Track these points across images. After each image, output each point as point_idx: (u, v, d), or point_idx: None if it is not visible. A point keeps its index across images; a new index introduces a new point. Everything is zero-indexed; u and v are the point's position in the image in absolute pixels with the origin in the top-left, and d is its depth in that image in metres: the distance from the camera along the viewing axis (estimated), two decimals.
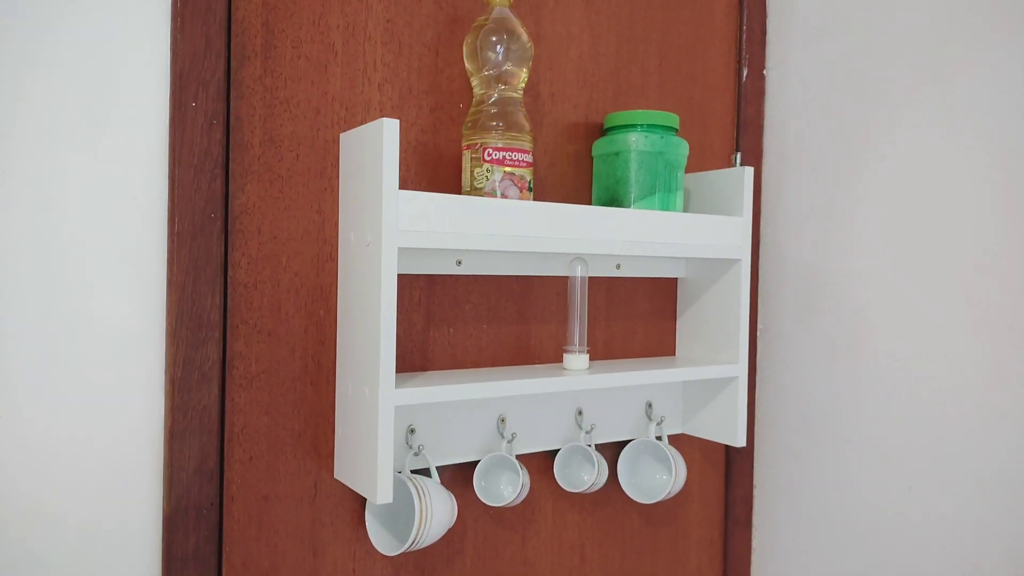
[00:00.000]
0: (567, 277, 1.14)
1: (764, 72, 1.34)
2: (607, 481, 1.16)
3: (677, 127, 1.11)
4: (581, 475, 1.13)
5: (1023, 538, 1.03)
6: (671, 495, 1.15)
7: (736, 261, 1.16)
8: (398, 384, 0.90)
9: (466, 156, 0.99)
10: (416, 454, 1.00)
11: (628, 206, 1.08)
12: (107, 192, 0.84)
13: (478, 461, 1.06)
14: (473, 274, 1.06)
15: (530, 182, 1.00)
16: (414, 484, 0.94)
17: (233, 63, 0.91)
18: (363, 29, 0.98)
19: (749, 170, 1.15)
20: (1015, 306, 1.03)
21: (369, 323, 0.88)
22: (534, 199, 1.11)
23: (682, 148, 1.11)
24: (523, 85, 1.01)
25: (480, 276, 1.08)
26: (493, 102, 0.99)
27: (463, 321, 1.06)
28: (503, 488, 1.07)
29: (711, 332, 1.21)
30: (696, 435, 1.23)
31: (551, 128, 1.13)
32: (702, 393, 1.22)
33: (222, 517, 0.91)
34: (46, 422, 0.82)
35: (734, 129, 1.33)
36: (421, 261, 1.01)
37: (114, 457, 0.85)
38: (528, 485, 1.05)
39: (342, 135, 0.96)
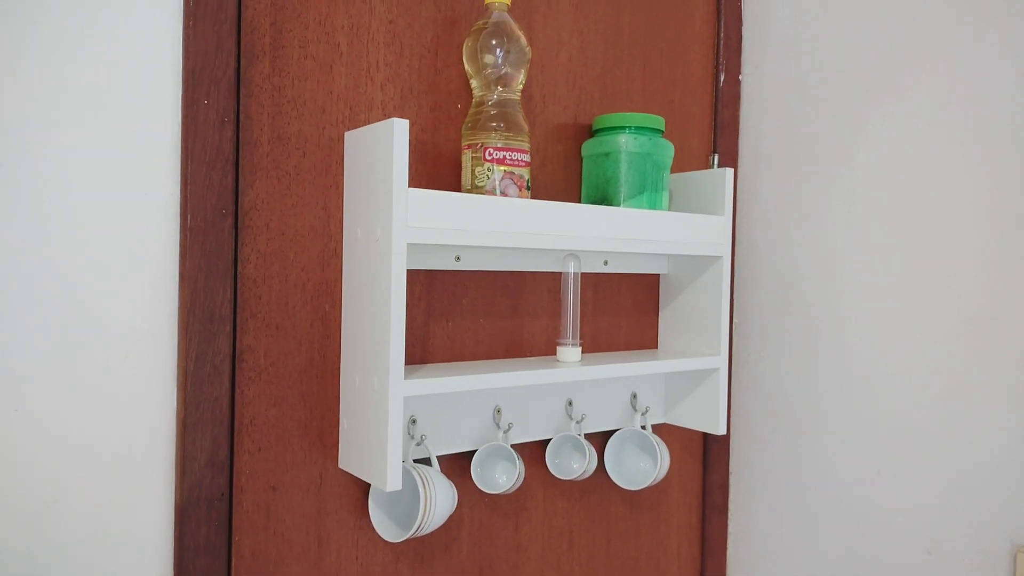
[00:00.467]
0: (558, 273, 1.18)
1: (740, 77, 1.40)
2: (595, 469, 1.21)
3: (664, 129, 1.16)
4: (571, 463, 1.17)
5: (981, 517, 1.11)
6: (655, 482, 1.20)
7: (717, 258, 1.21)
8: (404, 376, 0.93)
9: (466, 155, 1.03)
10: (418, 444, 1.03)
11: (618, 205, 1.13)
12: (121, 188, 0.86)
13: (475, 450, 1.09)
14: (471, 269, 1.10)
15: (528, 181, 1.04)
16: (418, 473, 0.97)
17: (243, 62, 0.92)
18: (367, 30, 1.01)
19: (729, 171, 1.21)
20: (977, 297, 1.11)
21: (378, 317, 0.91)
22: (530, 197, 1.14)
23: (668, 149, 1.16)
24: (521, 87, 1.04)
25: (477, 272, 1.11)
26: (493, 103, 1.02)
27: (461, 315, 1.10)
28: (498, 476, 1.11)
29: (692, 326, 1.26)
30: (678, 424, 1.29)
31: (542, 128, 1.17)
32: (684, 384, 1.27)
33: (232, 507, 0.93)
34: (61, 415, 0.83)
35: (712, 131, 1.39)
36: (422, 257, 1.04)
37: (128, 449, 0.87)
38: (523, 473, 1.09)
39: (347, 133, 0.98)
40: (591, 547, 1.26)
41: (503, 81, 1.02)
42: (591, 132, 1.20)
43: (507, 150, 1.01)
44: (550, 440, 1.17)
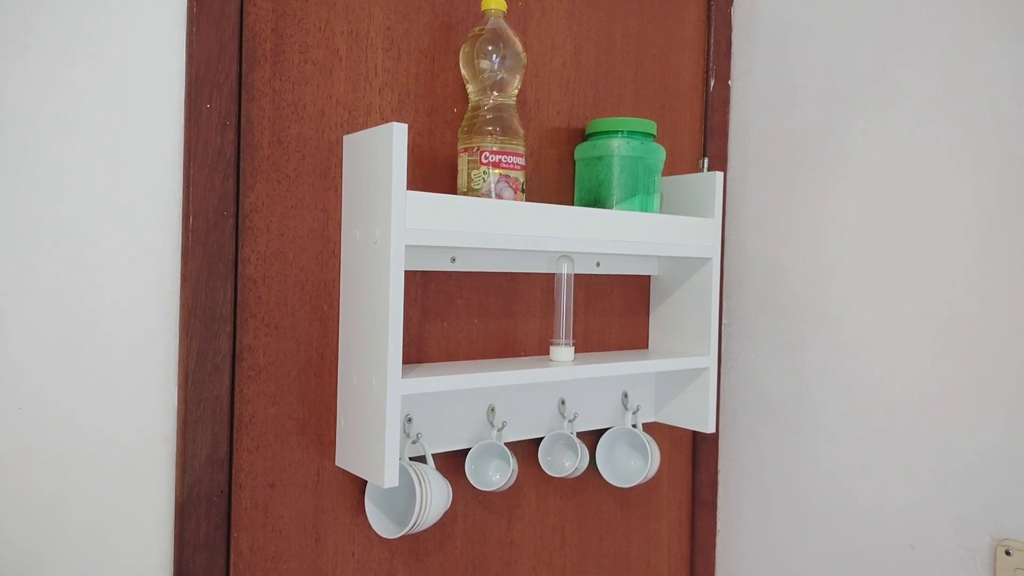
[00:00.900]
0: (551, 274, 1.21)
1: (730, 82, 1.42)
2: (586, 467, 1.23)
3: (655, 133, 1.18)
4: (563, 461, 1.19)
5: (964, 513, 1.13)
6: (646, 480, 1.22)
7: (707, 260, 1.24)
8: (401, 375, 0.95)
9: (463, 159, 1.05)
10: (414, 442, 1.05)
11: (610, 207, 1.15)
12: (124, 190, 0.87)
13: (469, 448, 1.11)
14: (466, 271, 1.12)
15: (523, 184, 1.06)
16: (414, 471, 0.99)
17: (244, 66, 0.94)
18: (366, 36, 1.03)
19: (719, 175, 1.23)
20: (963, 298, 1.14)
21: (376, 317, 0.93)
22: (526, 200, 1.17)
23: (660, 153, 1.18)
24: (516, 92, 1.06)
25: (472, 272, 1.13)
26: (489, 108, 1.04)
27: (455, 315, 1.12)
28: (492, 474, 1.13)
29: (683, 326, 1.29)
30: (668, 423, 1.31)
31: (536, 132, 1.20)
32: (674, 383, 1.30)
33: (230, 504, 0.94)
34: (64, 412, 0.84)
35: (702, 135, 1.41)
36: (418, 258, 1.06)
37: (129, 447, 0.88)
38: (516, 471, 1.11)
39: (346, 137, 1.00)
40: (583, 544, 1.28)
41: (499, 86, 1.04)
42: (584, 136, 1.22)
43: (503, 153, 1.03)
44: (543, 438, 1.19)
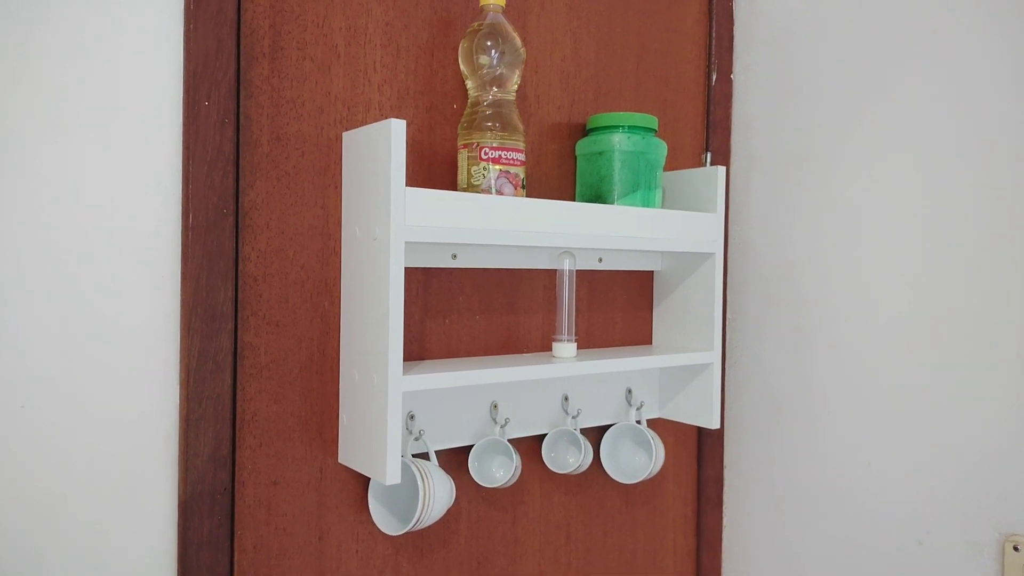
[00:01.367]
0: (553, 270, 1.20)
1: (732, 76, 1.42)
2: (590, 463, 1.23)
3: (657, 128, 1.17)
4: (567, 458, 1.19)
5: (971, 508, 1.13)
6: (650, 476, 1.22)
7: (710, 255, 1.23)
8: (403, 372, 0.95)
9: (462, 155, 1.04)
10: (416, 439, 1.05)
11: (612, 203, 1.15)
12: (123, 188, 0.87)
13: (472, 445, 1.11)
14: (467, 267, 1.11)
15: (523, 179, 1.05)
16: (417, 467, 0.99)
17: (242, 64, 0.94)
18: (364, 32, 1.03)
19: (722, 169, 1.23)
20: (969, 292, 1.13)
21: (377, 314, 0.92)
22: (526, 195, 1.16)
23: (661, 148, 1.18)
24: (516, 87, 1.06)
25: (473, 269, 1.13)
26: (488, 103, 1.04)
27: (457, 312, 1.12)
28: (495, 471, 1.12)
29: (686, 322, 1.28)
30: (672, 419, 1.31)
31: (536, 128, 1.19)
32: (678, 379, 1.29)
33: (234, 502, 0.94)
34: (66, 412, 0.84)
35: (704, 130, 1.40)
36: (419, 255, 1.06)
37: (131, 445, 0.88)
38: (520, 467, 1.10)
39: (345, 134, 1.00)
40: (588, 540, 1.28)
41: (498, 82, 1.04)
42: (585, 131, 1.21)
43: (502, 149, 1.03)
44: (546, 435, 1.19)
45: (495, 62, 1.03)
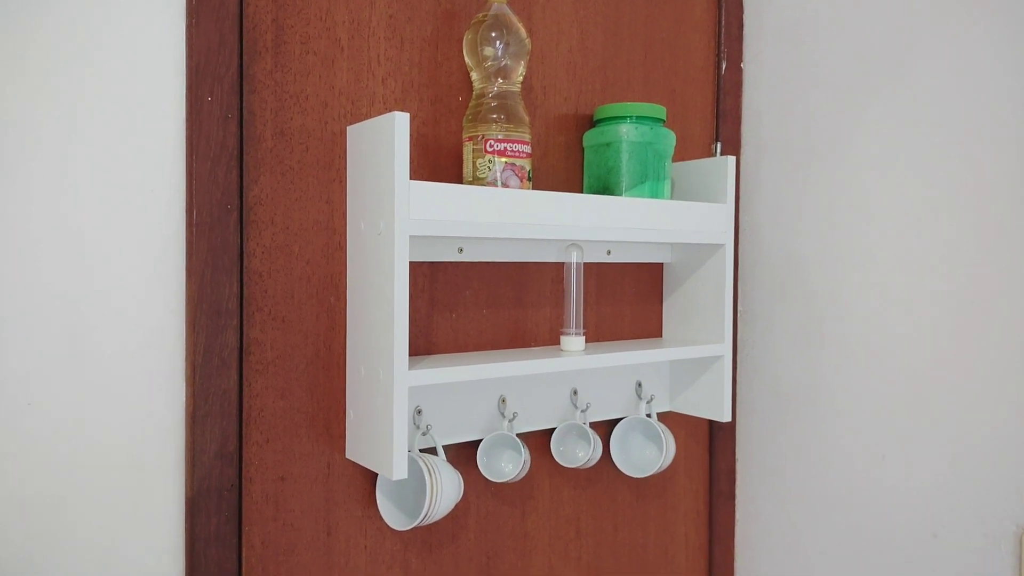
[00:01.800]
0: (561, 263, 1.19)
1: (742, 65, 1.40)
2: (600, 457, 1.22)
3: (664, 118, 1.16)
4: (576, 452, 1.18)
5: (986, 500, 1.11)
6: (661, 469, 1.21)
7: (720, 246, 1.22)
8: (409, 367, 0.94)
9: (468, 147, 1.03)
10: (424, 433, 1.04)
11: (620, 194, 1.13)
12: (127, 185, 0.87)
13: (480, 440, 1.10)
14: (474, 261, 1.11)
15: (529, 172, 1.05)
16: (424, 462, 0.98)
17: (245, 58, 0.93)
18: (367, 25, 1.02)
19: (731, 159, 1.21)
20: (981, 281, 1.11)
21: (382, 309, 0.92)
22: (532, 188, 1.15)
23: (670, 138, 1.16)
24: (521, 79, 1.05)
25: (480, 263, 1.12)
26: (493, 95, 1.03)
27: (464, 306, 1.11)
28: (504, 465, 1.12)
29: (697, 314, 1.27)
30: (683, 412, 1.30)
31: (543, 120, 1.18)
32: (688, 372, 1.28)
33: (241, 498, 0.94)
34: (72, 409, 0.84)
35: (714, 119, 1.39)
36: (425, 249, 1.05)
37: (138, 443, 0.88)
38: (528, 462, 1.10)
39: (349, 128, 0.99)
40: (598, 534, 1.27)
41: (503, 73, 1.03)
42: (592, 122, 1.20)
43: (508, 141, 1.02)
44: (555, 429, 1.18)
45: (500, 53, 1.02)
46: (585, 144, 1.19)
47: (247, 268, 0.94)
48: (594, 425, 1.23)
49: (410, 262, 1.05)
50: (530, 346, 1.17)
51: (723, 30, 1.38)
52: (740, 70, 1.40)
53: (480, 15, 1.03)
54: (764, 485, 1.39)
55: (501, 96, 1.03)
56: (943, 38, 1.15)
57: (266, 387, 0.96)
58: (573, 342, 1.11)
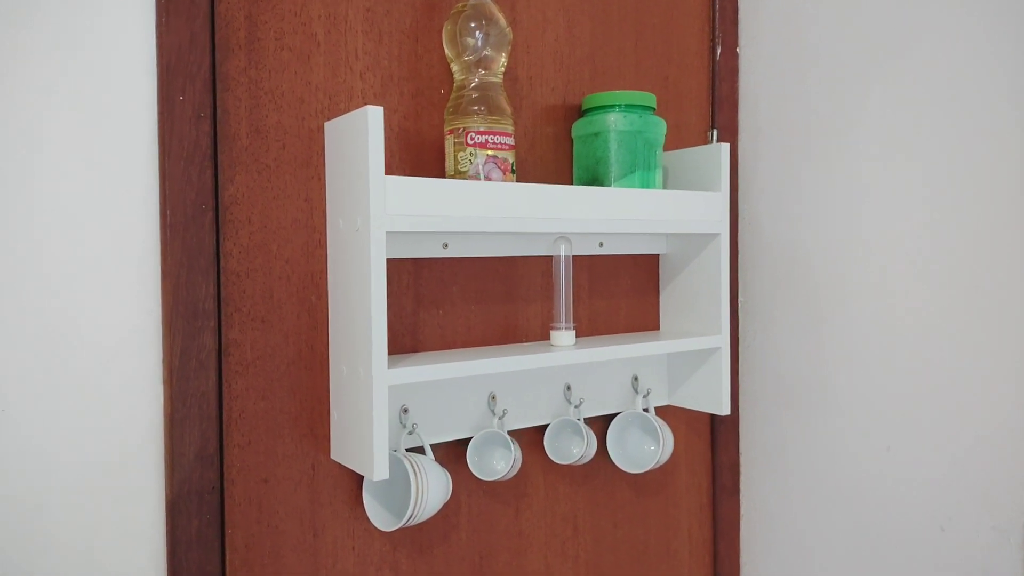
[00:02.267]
0: (551, 257, 1.17)
1: (737, 49, 1.36)
2: (597, 453, 1.19)
3: (654, 106, 1.13)
4: (570, 448, 1.16)
5: (994, 492, 1.07)
6: (659, 464, 1.18)
7: (715, 236, 1.19)
8: (390, 365, 0.93)
9: (449, 141, 1.02)
10: (410, 433, 1.03)
11: (609, 185, 1.11)
12: (99, 186, 0.86)
13: (471, 438, 1.09)
14: (459, 256, 1.09)
15: (513, 164, 1.02)
16: (409, 461, 0.97)
17: (218, 56, 0.92)
18: (344, 19, 1.00)
19: (725, 146, 1.18)
20: (985, 270, 1.07)
21: (360, 307, 0.90)
22: (517, 181, 1.13)
23: (660, 127, 1.13)
24: (502, 69, 1.03)
25: (466, 258, 1.10)
26: (474, 87, 1.01)
27: (451, 303, 1.09)
28: (496, 463, 1.10)
29: (694, 305, 1.24)
30: (682, 406, 1.27)
31: (530, 111, 1.16)
32: (686, 365, 1.25)
33: (223, 501, 0.94)
34: (48, 415, 0.84)
35: (710, 106, 1.36)
36: (408, 245, 1.04)
37: (117, 446, 0.88)
38: (520, 459, 1.08)
39: (327, 124, 0.98)
40: (597, 531, 1.25)
41: (484, 64, 1.01)
42: (580, 112, 1.18)
43: (489, 134, 1.00)
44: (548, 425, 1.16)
45: (480, 44, 1.00)
46: (574, 135, 1.16)
47: (224, 268, 0.93)
48: (590, 421, 1.21)
49: (394, 259, 1.04)
50: (521, 342, 1.15)
51: (717, 14, 1.34)
52: (736, 55, 1.37)
53: (459, 5, 1.01)
54: (768, 479, 1.36)
55: (482, 88, 1.01)
56: (945, 20, 1.11)
57: (247, 388, 0.95)
58: (563, 336, 1.09)
